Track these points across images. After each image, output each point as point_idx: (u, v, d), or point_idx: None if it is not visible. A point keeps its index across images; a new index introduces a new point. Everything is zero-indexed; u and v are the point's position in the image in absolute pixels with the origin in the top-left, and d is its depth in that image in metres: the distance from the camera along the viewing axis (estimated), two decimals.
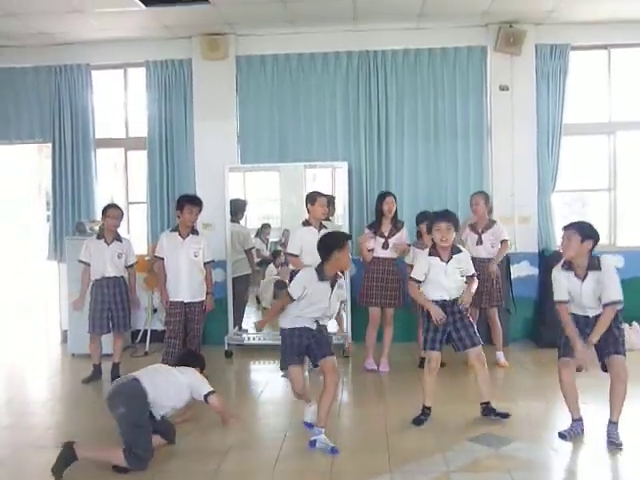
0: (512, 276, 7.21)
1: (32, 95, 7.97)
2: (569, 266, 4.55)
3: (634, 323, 7.11)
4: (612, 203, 7.74)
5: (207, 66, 7.63)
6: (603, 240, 7.14)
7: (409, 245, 6.49)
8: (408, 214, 7.31)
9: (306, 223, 6.26)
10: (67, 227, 7.85)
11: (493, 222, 6.60)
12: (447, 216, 4.87)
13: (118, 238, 6.39)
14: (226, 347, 7.07)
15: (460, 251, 4.97)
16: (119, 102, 8.19)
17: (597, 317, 4.43)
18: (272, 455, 4.33)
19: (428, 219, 6.08)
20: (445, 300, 4.87)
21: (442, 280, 4.86)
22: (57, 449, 4.02)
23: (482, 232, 6.53)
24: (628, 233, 7.80)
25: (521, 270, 7.48)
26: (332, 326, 6.46)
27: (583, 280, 4.47)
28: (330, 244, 4.50)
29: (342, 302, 5.12)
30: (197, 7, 6.55)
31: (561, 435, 4.56)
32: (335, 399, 4.65)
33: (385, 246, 6.40)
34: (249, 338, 7.35)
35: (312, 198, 6.23)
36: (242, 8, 6.81)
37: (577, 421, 4.63)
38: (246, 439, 4.67)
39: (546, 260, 7.36)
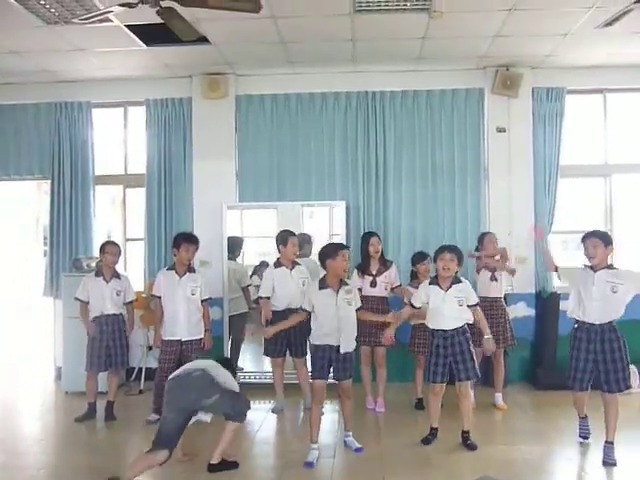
0: (509, 317, 7.18)
1: (32, 131, 8.01)
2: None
3: (631, 366, 7.05)
4: None
5: (207, 105, 7.70)
6: None
7: (399, 286, 6.48)
8: (405, 254, 7.34)
9: (277, 264, 6.29)
10: (64, 263, 7.81)
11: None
12: (451, 248, 5.26)
13: (117, 275, 6.38)
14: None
15: (460, 281, 5.21)
16: (119, 140, 8.23)
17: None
18: None
19: (424, 259, 6.21)
20: (445, 330, 5.11)
21: (441, 308, 5.13)
22: None
23: (495, 270, 6.50)
24: None
25: (518, 311, 7.44)
26: None
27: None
28: (323, 254, 5.04)
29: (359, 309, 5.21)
30: (198, 47, 6.62)
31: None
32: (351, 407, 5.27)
33: (373, 284, 6.38)
34: (245, 377, 7.27)
35: (283, 238, 6.26)
36: (242, 48, 6.90)
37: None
38: None
39: (543, 301, 7.35)
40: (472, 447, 5.17)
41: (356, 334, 5.16)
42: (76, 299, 6.33)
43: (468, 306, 5.19)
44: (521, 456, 4.99)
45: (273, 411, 6.40)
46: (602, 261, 4.97)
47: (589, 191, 8.02)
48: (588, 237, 5.01)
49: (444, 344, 5.16)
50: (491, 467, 4.73)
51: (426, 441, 5.26)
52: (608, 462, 4.80)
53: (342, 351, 4.96)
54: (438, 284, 5.19)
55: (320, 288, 5.00)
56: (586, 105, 7.89)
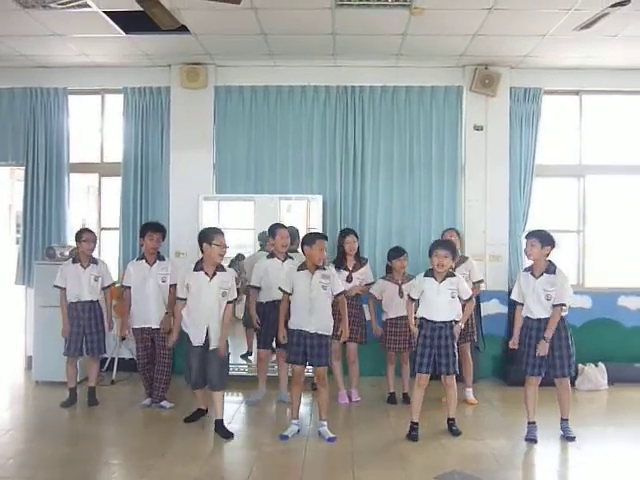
0: (482, 314, 7.25)
1: (7, 117, 7.88)
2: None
3: (600, 363, 7.18)
4: (581, 245, 7.86)
5: (185, 95, 7.65)
6: (572, 281, 7.27)
7: (368, 285, 6.52)
8: (380, 248, 7.40)
9: (270, 255, 6.32)
10: (37, 251, 7.72)
11: (466, 258, 6.66)
12: (446, 245, 5.48)
13: (94, 261, 6.37)
14: None
15: (454, 276, 5.44)
16: (95, 127, 8.15)
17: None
18: None
19: (400, 255, 6.25)
20: (434, 322, 5.32)
21: (434, 299, 5.34)
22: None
23: (456, 267, 6.54)
24: (596, 275, 7.91)
25: (491, 308, 7.52)
26: None
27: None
28: (303, 241, 5.40)
29: (339, 295, 5.39)
30: (177, 36, 6.56)
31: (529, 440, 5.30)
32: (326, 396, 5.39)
33: (349, 279, 6.40)
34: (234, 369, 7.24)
35: (272, 231, 6.30)
36: (223, 39, 6.86)
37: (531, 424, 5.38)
38: (211, 473, 4.59)
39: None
40: (456, 433, 5.43)
41: (332, 322, 5.32)
42: (55, 286, 6.28)
43: (460, 299, 5.41)
44: (489, 450, 5.06)
45: (248, 402, 6.43)
46: (539, 260, 5.31)
47: (563, 191, 8.11)
48: (528, 237, 5.43)
49: (431, 335, 5.34)
50: (460, 461, 4.80)
51: (412, 437, 5.31)
52: (568, 437, 5.28)
53: (313, 330, 5.17)
54: (433, 276, 5.38)
55: (298, 269, 5.36)
56: (562, 106, 7.98)
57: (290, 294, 5.35)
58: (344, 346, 6.47)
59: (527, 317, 5.39)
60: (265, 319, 6.25)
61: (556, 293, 5.20)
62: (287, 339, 5.40)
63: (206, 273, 5.29)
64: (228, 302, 5.35)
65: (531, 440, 5.29)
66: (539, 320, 5.28)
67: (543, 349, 5.18)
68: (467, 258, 6.69)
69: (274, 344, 6.32)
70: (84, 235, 6.31)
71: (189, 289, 5.32)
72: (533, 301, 5.30)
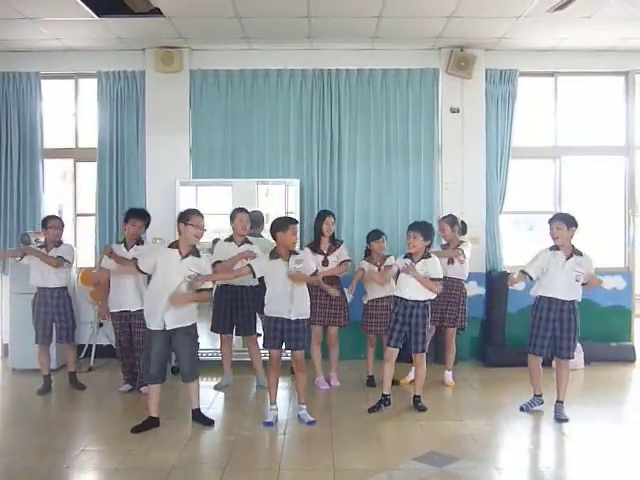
0: None
1: None
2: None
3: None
4: None
5: (160, 79, 7.57)
6: None
7: (349, 261, 6.52)
8: (358, 232, 7.40)
9: (229, 239, 6.29)
10: (11, 238, 7.64)
11: (461, 242, 6.64)
12: (415, 226, 5.60)
13: (57, 245, 6.31)
14: (173, 363, 6.91)
15: (429, 256, 5.55)
16: (69, 112, 8.05)
17: None
18: (216, 475, 4.27)
19: (379, 237, 6.28)
20: (407, 300, 5.49)
21: (407, 279, 5.47)
22: None
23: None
24: None
25: (469, 290, 7.47)
26: None
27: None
28: (274, 227, 5.30)
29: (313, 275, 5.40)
30: (151, 19, 6.48)
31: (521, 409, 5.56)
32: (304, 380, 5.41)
33: (325, 263, 6.38)
34: (204, 354, 7.23)
35: (232, 215, 6.28)
36: (197, 22, 6.79)
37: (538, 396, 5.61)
38: (189, 458, 4.60)
39: (493, 280, 7.49)
40: (422, 409, 5.59)
41: (308, 303, 5.33)
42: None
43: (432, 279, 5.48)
44: (468, 431, 5.11)
45: (216, 387, 6.44)
46: (565, 242, 5.35)
47: (539, 172, 8.17)
48: (553, 220, 5.39)
49: (403, 312, 5.50)
50: (439, 442, 4.84)
51: (372, 409, 5.55)
52: (560, 419, 5.34)
53: (294, 317, 5.17)
54: (411, 257, 5.52)
55: (271, 258, 5.24)
56: (537, 88, 8.01)
57: (254, 275, 5.25)
58: (325, 330, 6.49)
59: (541, 296, 5.43)
60: (221, 302, 6.27)
61: (585, 275, 5.30)
62: (264, 326, 5.38)
63: (180, 252, 5.10)
64: (202, 289, 5.16)
65: (524, 410, 5.57)
66: (555, 301, 5.34)
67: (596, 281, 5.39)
68: (463, 242, 6.64)
69: (235, 330, 6.38)
70: (50, 222, 6.27)
71: (156, 268, 5.09)
72: (561, 281, 5.32)
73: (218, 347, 6.65)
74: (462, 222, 6.80)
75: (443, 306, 6.37)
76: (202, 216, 5.21)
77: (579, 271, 5.29)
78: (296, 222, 5.39)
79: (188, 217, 5.11)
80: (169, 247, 5.18)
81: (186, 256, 5.10)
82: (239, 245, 6.17)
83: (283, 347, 5.31)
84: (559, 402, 5.44)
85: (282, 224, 5.27)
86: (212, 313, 6.41)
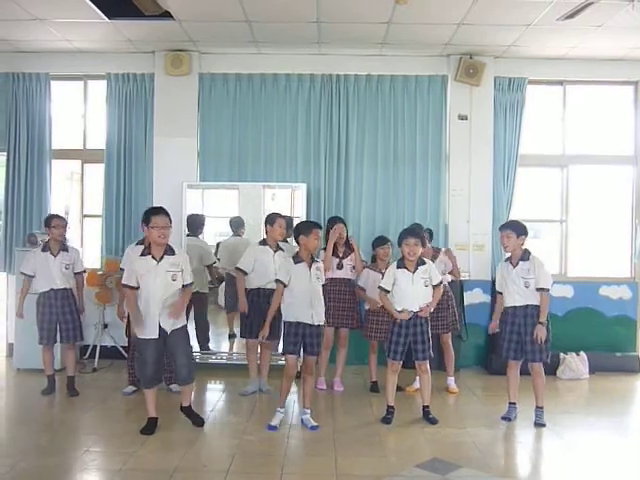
0: (465, 303, 7.29)
1: None
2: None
3: (581, 352, 7.24)
4: (563, 234, 7.91)
5: (169, 82, 7.60)
6: (554, 270, 7.33)
7: (363, 261, 6.54)
8: (365, 237, 7.38)
9: (263, 242, 6.25)
10: (18, 238, 7.66)
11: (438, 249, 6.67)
12: (415, 232, 5.49)
13: (64, 248, 6.28)
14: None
15: (424, 263, 5.45)
16: (78, 114, 8.08)
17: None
18: (218, 478, 4.26)
19: (384, 243, 6.28)
20: (410, 311, 5.35)
21: (409, 290, 5.35)
22: None
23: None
24: (578, 264, 7.97)
25: (474, 297, 7.57)
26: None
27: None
28: (298, 230, 5.30)
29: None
30: (161, 22, 6.51)
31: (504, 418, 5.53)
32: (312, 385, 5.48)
33: (340, 266, 6.42)
34: (212, 357, 7.28)
35: (271, 219, 6.22)
36: (206, 26, 6.81)
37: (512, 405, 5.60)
38: (192, 461, 4.59)
39: None
40: (433, 421, 5.46)
41: (324, 307, 5.36)
42: (22, 273, 6.25)
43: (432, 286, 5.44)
44: (471, 439, 5.09)
45: (241, 394, 6.31)
46: (516, 250, 5.43)
47: (546, 181, 8.15)
48: (502, 228, 5.54)
49: (406, 324, 5.39)
50: (441, 449, 4.82)
51: (386, 420, 5.43)
52: (539, 423, 5.40)
53: (316, 322, 5.19)
54: (405, 267, 5.39)
55: (295, 262, 5.23)
56: (546, 96, 8.01)
57: (286, 286, 5.21)
58: (335, 331, 6.49)
59: (506, 307, 5.52)
60: (252, 307, 6.17)
61: (536, 279, 5.32)
62: (286, 331, 5.30)
63: (153, 257, 4.96)
64: (184, 286, 5.07)
65: (505, 419, 5.52)
66: (515, 308, 5.42)
67: (541, 333, 5.29)
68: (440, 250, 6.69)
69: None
70: (53, 221, 6.22)
71: (137, 278, 4.95)
72: (513, 290, 5.41)
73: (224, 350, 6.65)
74: (428, 229, 6.86)
75: (435, 314, 6.04)
76: (165, 213, 5.01)
77: (526, 277, 5.33)
78: (320, 227, 5.42)
79: (149, 219, 4.94)
80: (141, 255, 5.01)
81: (161, 259, 4.98)
82: (274, 251, 6.15)
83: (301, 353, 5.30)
84: (539, 408, 5.47)
85: (305, 228, 5.30)
86: (241, 318, 6.34)
